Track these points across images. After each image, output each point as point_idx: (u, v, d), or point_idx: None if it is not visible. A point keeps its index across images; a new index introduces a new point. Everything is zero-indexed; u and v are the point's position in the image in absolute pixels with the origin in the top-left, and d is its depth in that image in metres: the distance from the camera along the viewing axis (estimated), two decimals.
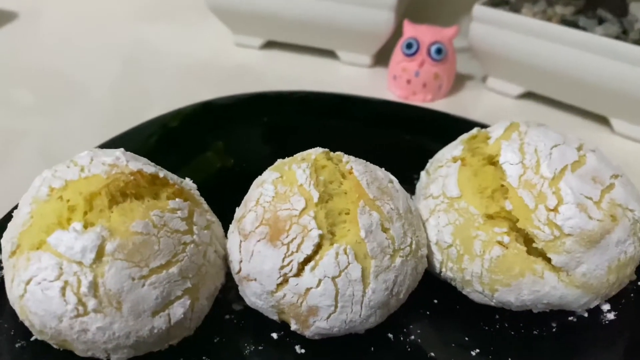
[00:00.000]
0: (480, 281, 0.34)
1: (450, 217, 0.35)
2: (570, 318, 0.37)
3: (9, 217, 0.34)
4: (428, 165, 0.41)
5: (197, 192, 0.36)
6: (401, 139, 0.54)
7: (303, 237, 0.32)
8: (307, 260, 0.32)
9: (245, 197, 0.36)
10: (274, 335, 0.35)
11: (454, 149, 0.39)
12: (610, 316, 0.37)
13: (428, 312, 0.37)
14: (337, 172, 0.35)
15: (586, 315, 0.37)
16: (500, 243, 0.33)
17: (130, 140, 0.50)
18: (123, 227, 0.30)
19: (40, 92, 0.65)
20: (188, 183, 0.36)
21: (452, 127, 0.48)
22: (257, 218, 0.33)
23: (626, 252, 0.33)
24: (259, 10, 0.68)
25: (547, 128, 0.37)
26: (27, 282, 0.29)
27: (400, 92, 0.65)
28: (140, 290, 0.29)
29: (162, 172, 0.34)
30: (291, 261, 0.32)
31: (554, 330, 0.36)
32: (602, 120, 0.60)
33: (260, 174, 0.37)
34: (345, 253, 0.31)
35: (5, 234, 0.32)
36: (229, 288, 0.36)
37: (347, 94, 0.60)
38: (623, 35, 0.56)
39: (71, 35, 0.78)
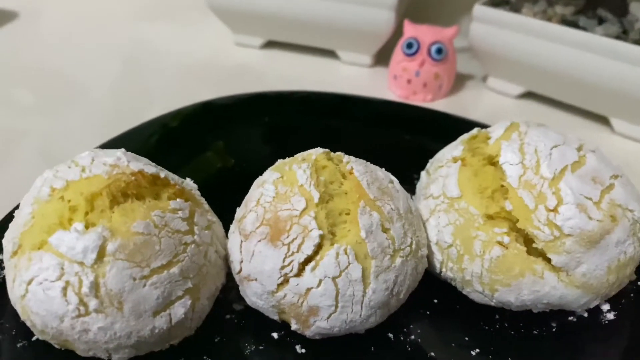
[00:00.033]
0: (480, 281, 0.35)
1: (451, 217, 0.35)
2: (570, 318, 0.37)
3: (10, 217, 0.34)
4: (428, 165, 0.41)
5: (198, 192, 0.36)
6: (401, 138, 0.54)
7: (303, 238, 0.32)
8: (308, 260, 0.32)
9: (246, 197, 0.36)
10: (275, 335, 0.35)
11: (454, 149, 0.39)
12: (610, 316, 0.37)
13: (428, 312, 0.37)
14: (337, 173, 0.35)
15: (586, 315, 0.37)
16: (500, 243, 0.33)
17: (131, 140, 0.50)
18: (124, 227, 0.30)
19: (41, 92, 0.65)
20: (189, 183, 0.36)
21: (452, 127, 0.48)
22: (257, 218, 0.33)
23: (626, 252, 0.34)
24: (260, 9, 0.68)
25: (547, 128, 0.37)
26: (29, 282, 0.29)
27: (401, 92, 0.65)
28: (142, 291, 0.29)
29: (163, 173, 0.34)
30: (292, 261, 0.32)
31: (553, 330, 0.36)
32: (603, 120, 0.60)
33: (261, 174, 0.37)
34: (346, 253, 0.32)
35: (6, 234, 0.32)
36: (230, 288, 0.36)
37: (347, 94, 0.60)
38: (623, 35, 0.56)
39: (71, 35, 0.78)
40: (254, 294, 0.33)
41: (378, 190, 0.34)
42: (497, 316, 0.37)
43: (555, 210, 0.33)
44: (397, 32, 0.66)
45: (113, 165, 0.32)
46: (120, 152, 0.34)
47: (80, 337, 0.29)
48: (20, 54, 0.73)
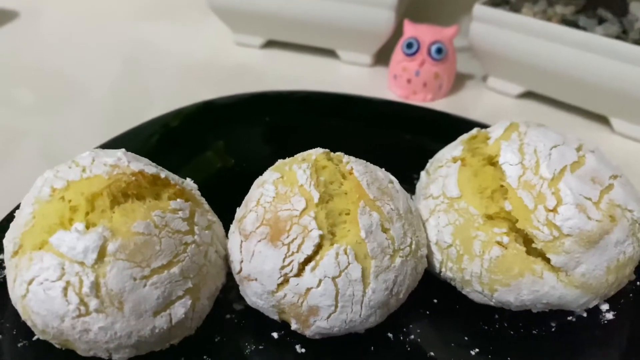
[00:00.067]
0: (479, 281, 0.35)
1: (450, 217, 0.35)
2: (569, 318, 0.37)
3: (10, 217, 0.34)
4: (428, 165, 0.41)
5: (198, 192, 0.37)
6: (401, 138, 0.54)
7: (303, 238, 0.32)
8: (308, 260, 0.32)
9: (246, 197, 0.36)
10: (275, 335, 0.35)
11: (454, 149, 0.39)
12: (609, 316, 0.37)
13: (428, 312, 0.37)
14: (337, 173, 0.35)
15: (585, 315, 0.37)
16: (499, 243, 0.34)
17: (131, 140, 0.50)
18: (125, 227, 0.30)
19: (41, 92, 0.65)
20: (189, 183, 0.36)
21: (452, 127, 0.48)
22: (257, 218, 0.33)
23: (625, 252, 0.34)
24: (260, 9, 0.68)
25: (546, 128, 0.37)
26: (30, 282, 0.30)
27: (401, 92, 0.65)
28: (142, 290, 0.30)
29: (164, 173, 0.34)
30: (292, 261, 0.32)
31: (553, 330, 0.36)
32: (602, 120, 0.60)
33: (261, 174, 0.37)
34: (346, 253, 0.32)
35: (7, 234, 0.32)
36: (230, 288, 0.36)
37: (347, 94, 0.60)
38: (623, 35, 0.56)
39: (72, 35, 0.78)
40: (254, 294, 0.34)
41: (378, 191, 0.34)
42: (496, 316, 0.37)
43: (554, 210, 0.33)
44: (397, 31, 0.66)
45: (113, 166, 0.33)
46: (120, 152, 0.34)
47: (80, 337, 0.29)
48: (21, 53, 0.73)
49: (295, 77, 0.68)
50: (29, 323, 0.31)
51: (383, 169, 0.37)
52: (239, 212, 0.36)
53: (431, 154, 0.42)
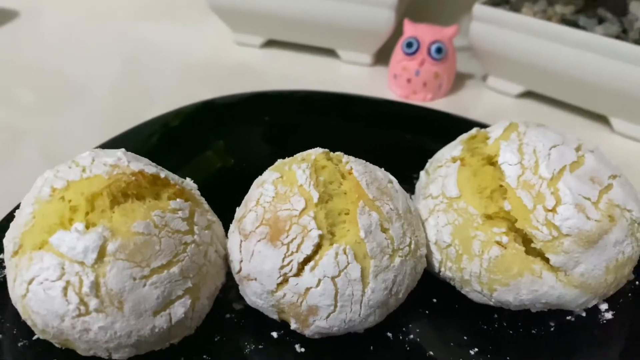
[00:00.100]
0: (479, 281, 0.35)
1: (450, 217, 0.36)
2: (568, 317, 0.37)
3: (10, 217, 0.34)
4: (427, 165, 0.41)
5: (198, 192, 0.37)
6: (401, 138, 0.54)
7: (303, 237, 0.32)
8: (307, 260, 0.32)
9: (246, 197, 0.36)
10: (274, 334, 0.35)
11: (453, 149, 0.39)
12: (608, 316, 0.37)
13: (427, 312, 0.37)
14: (336, 173, 0.35)
15: (584, 314, 0.37)
16: (498, 243, 0.34)
17: (131, 140, 0.50)
18: (124, 227, 0.30)
19: (41, 92, 0.65)
20: (189, 183, 0.37)
21: (452, 127, 0.48)
22: (257, 218, 0.33)
23: (624, 252, 0.34)
24: (260, 9, 0.69)
25: (546, 128, 0.37)
26: (30, 282, 0.30)
27: (401, 91, 0.65)
28: (142, 290, 0.30)
29: (163, 173, 0.34)
30: (291, 261, 0.32)
31: (552, 329, 0.36)
32: (602, 120, 0.60)
33: (261, 174, 0.37)
34: (345, 253, 0.32)
35: (7, 234, 0.32)
36: (230, 287, 0.36)
37: (347, 93, 0.60)
38: (623, 34, 0.57)
39: (72, 34, 0.78)
40: (254, 294, 0.34)
41: (377, 190, 0.34)
42: (495, 315, 0.37)
43: (553, 210, 0.33)
44: (397, 31, 0.67)
45: (113, 166, 0.33)
46: (120, 152, 0.34)
47: (80, 336, 0.29)
48: (21, 53, 0.73)
49: (295, 76, 0.68)
50: (29, 323, 0.31)
51: (382, 169, 0.37)
52: (239, 211, 0.36)
53: (431, 153, 0.42)
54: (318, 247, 0.32)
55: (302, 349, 0.35)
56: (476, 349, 0.35)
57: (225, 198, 0.37)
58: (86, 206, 0.30)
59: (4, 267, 0.33)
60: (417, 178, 0.41)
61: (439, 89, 0.64)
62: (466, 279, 0.35)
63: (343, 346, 0.35)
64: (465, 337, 0.36)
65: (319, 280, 0.31)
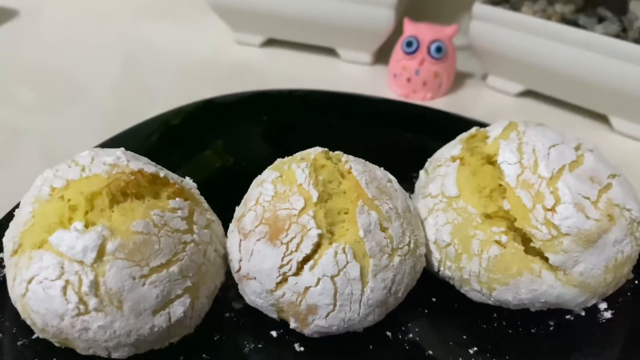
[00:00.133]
0: (478, 280, 0.35)
1: (449, 216, 0.36)
2: (567, 316, 0.37)
3: (10, 216, 0.34)
4: (427, 164, 0.41)
5: (197, 191, 0.37)
6: (401, 137, 0.54)
7: (302, 237, 0.32)
8: (307, 259, 0.32)
9: (245, 196, 0.36)
10: (274, 334, 0.35)
11: (453, 148, 0.39)
12: (607, 315, 0.37)
13: (426, 311, 0.37)
14: (336, 172, 0.35)
15: (583, 313, 0.37)
16: (498, 242, 0.34)
17: (131, 139, 0.50)
18: (124, 226, 0.30)
19: (41, 91, 0.65)
20: (188, 182, 0.37)
21: (451, 126, 0.48)
22: (256, 217, 0.33)
23: (623, 251, 0.34)
24: (260, 8, 0.68)
25: (545, 128, 0.37)
26: (29, 281, 0.30)
27: (401, 91, 0.65)
28: (141, 289, 0.30)
29: (163, 172, 0.34)
30: (290, 260, 0.32)
31: (551, 328, 0.36)
32: (602, 119, 0.60)
33: (260, 173, 0.37)
34: (344, 252, 0.32)
35: (7, 233, 0.32)
36: (229, 286, 0.36)
37: (347, 92, 0.60)
38: (623, 33, 0.56)
39: (72, 34, 0.78)
40: (253, 293, 0.34)
41: (376, 190, 0.34)
42: (495, 315, 0.37)
43: (552, 209, 0.33)
44: (397, 30, 0.66)
45: (113, 165, 0.33)
46: (119, 152, 0.34)
47: (80, 335, 0.29)
48: (21, 52, 0.73)
49: (295, 75, 0.68)
50: (28, 322, 0.31)
51: (382, 168, 0.37)
52: (238, 211, 0.36)
53: (430, 152, 0.42)
54: (317, 246, 0.32)
55: (302, 348, 0.35)
56: (475, 348, 0.35)
57: (224, 197, 0.37)
58: (85, 205, 0.30)
59: (4, 266, 0.33)
60: (417, 177, 0.41)
61: (439, 88, 0.64)
62: (465, 278, 0.35)
63: (342, 345, 0.35)
64: (464, 336, 0.36)
65: (318, 280, 0.31)
